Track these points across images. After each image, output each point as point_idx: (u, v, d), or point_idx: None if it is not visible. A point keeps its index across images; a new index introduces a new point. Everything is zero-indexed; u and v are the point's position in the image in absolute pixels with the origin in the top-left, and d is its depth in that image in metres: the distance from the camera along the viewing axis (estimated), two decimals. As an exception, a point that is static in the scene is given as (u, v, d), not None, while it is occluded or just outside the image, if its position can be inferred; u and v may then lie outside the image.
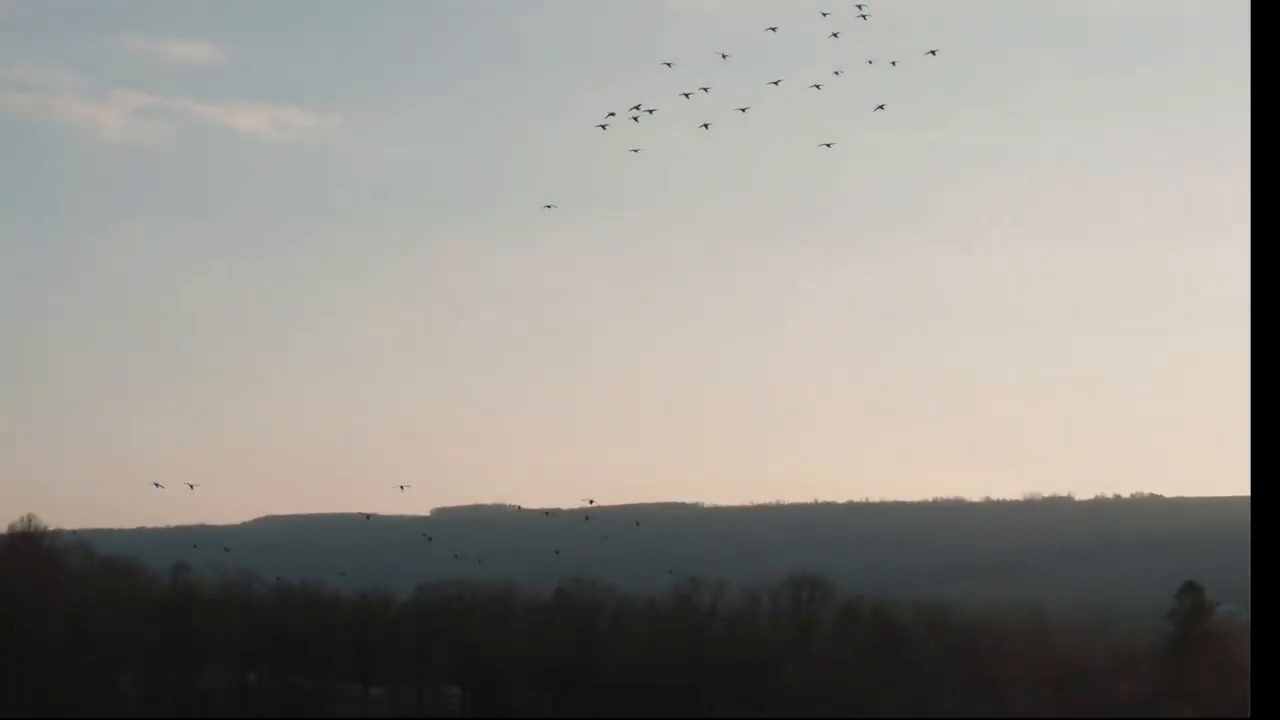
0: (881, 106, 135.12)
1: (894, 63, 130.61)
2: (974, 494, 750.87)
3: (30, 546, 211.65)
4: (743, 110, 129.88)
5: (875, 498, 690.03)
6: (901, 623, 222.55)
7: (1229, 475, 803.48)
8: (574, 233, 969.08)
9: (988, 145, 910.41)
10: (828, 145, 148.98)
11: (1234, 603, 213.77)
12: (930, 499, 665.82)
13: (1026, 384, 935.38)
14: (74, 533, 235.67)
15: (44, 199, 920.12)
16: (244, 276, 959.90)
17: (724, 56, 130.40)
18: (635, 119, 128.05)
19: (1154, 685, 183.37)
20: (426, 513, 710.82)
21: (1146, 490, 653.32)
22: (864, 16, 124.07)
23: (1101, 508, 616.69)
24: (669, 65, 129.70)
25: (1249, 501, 46.98)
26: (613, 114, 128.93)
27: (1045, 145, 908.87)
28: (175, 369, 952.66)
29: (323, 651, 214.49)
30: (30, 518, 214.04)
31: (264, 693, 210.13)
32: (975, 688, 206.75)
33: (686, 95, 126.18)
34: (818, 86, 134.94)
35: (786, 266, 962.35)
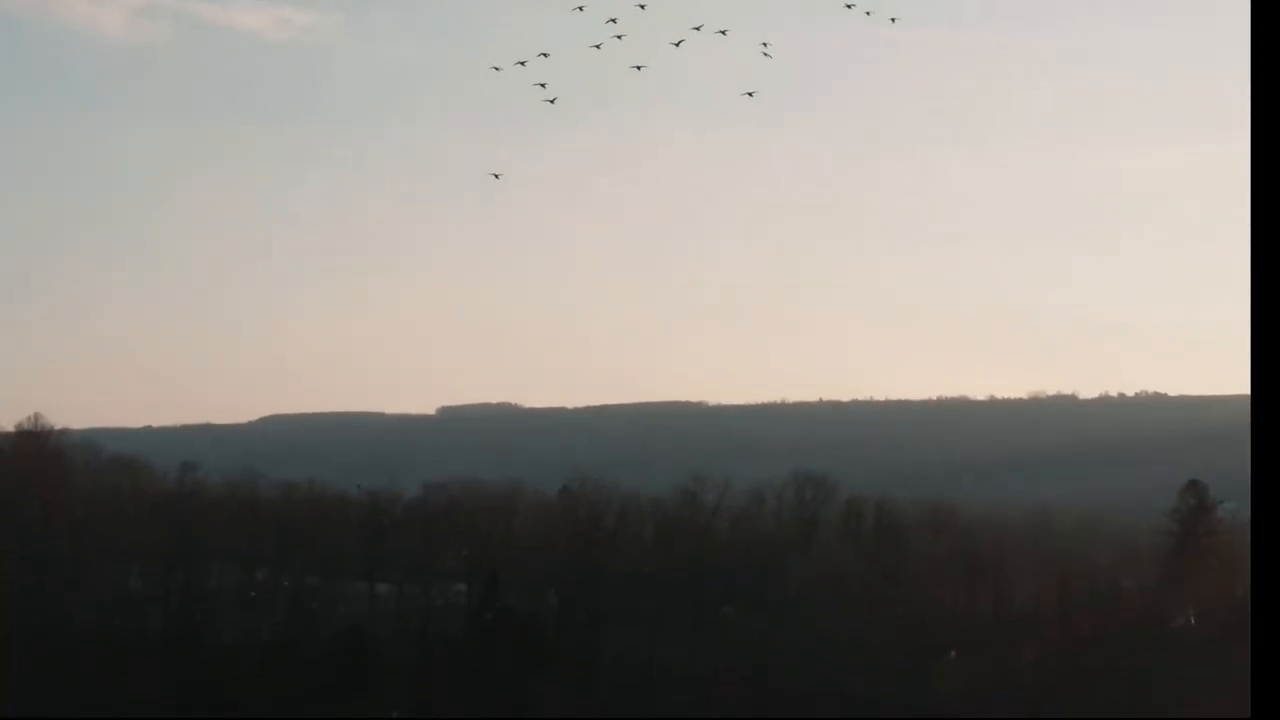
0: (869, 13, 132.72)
1: None
2: (978, 393, 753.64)
3: (37, 445, 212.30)
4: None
5: (879, 396, 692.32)
6: (904, 521, 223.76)
7: (1233, 374, 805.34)
8: (576, 131, 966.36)
9: (990, 41, 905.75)
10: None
11: (1236, 500, 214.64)
12: (934, 398, 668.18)
13: (1031, 283, 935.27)
14: (80, 432, 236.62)
15: (46, 99, 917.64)
16: (245, 175, 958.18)
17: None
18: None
19: (1156, 582, 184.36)
20: (432, 412, 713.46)
21: (1150, 389, 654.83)
22: None
23: (1105, 407, 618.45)
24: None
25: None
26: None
27: (1048, 39, 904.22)
28: (180, 269, 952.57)
29: (329, 550, 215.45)
30: (37, 416, 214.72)
31: (271, 591, 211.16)
32: (977, 585, 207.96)
33: None
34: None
35: (788, 165, 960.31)
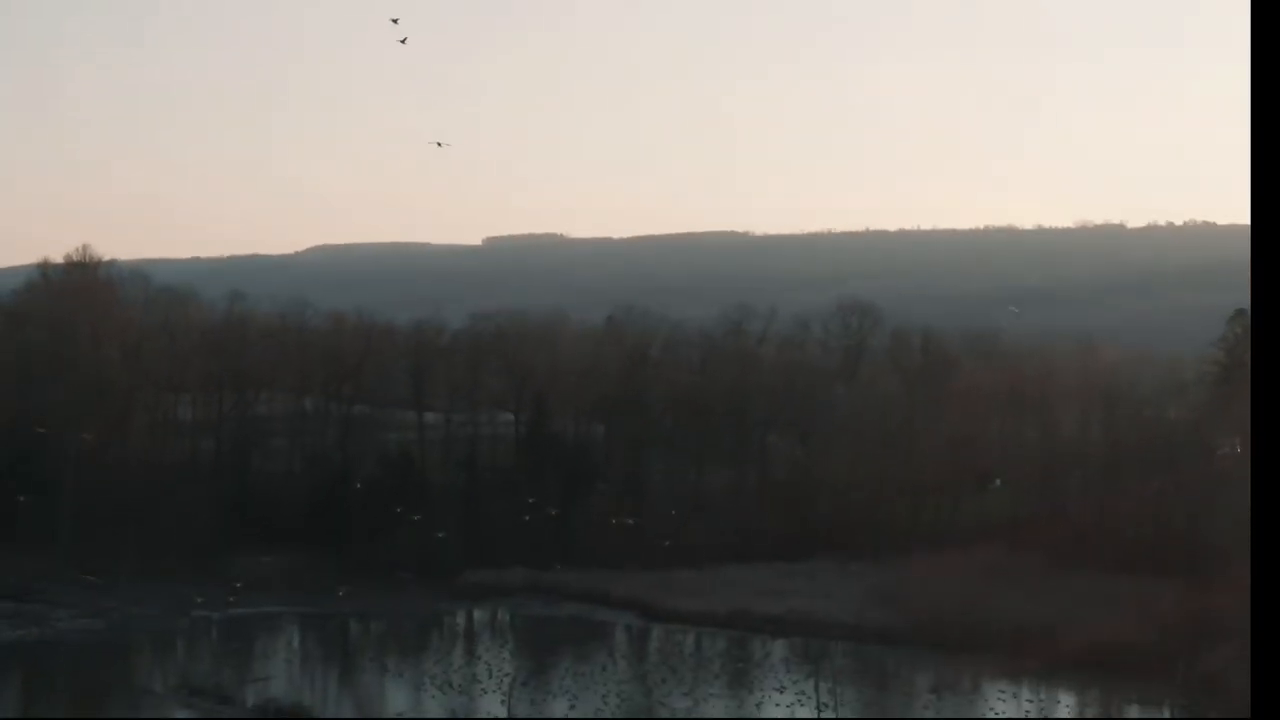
0: None
1: None
2: (1025, 221, 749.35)
3: (86, 276, 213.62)
4: None
5: (925, 225, 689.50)
6: (950, 350, 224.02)
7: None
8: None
9: None
10: None
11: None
12: (980, 227, 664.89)
13: (1080, 110, 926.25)
14: (129, 263, 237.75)
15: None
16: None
17: None
18: None
19: (1202, 411, 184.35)
20: (478, 242, 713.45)
21: (1199, 218, 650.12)
22: None
23: (1153, 235, 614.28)
24: None
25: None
26: None
27: None
28: (225, 100, 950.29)
29: (377, 379, 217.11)
30: (85, 248, 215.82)
31: (320, 419, 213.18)
32: (1023, 414, 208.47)
33: None
34: None
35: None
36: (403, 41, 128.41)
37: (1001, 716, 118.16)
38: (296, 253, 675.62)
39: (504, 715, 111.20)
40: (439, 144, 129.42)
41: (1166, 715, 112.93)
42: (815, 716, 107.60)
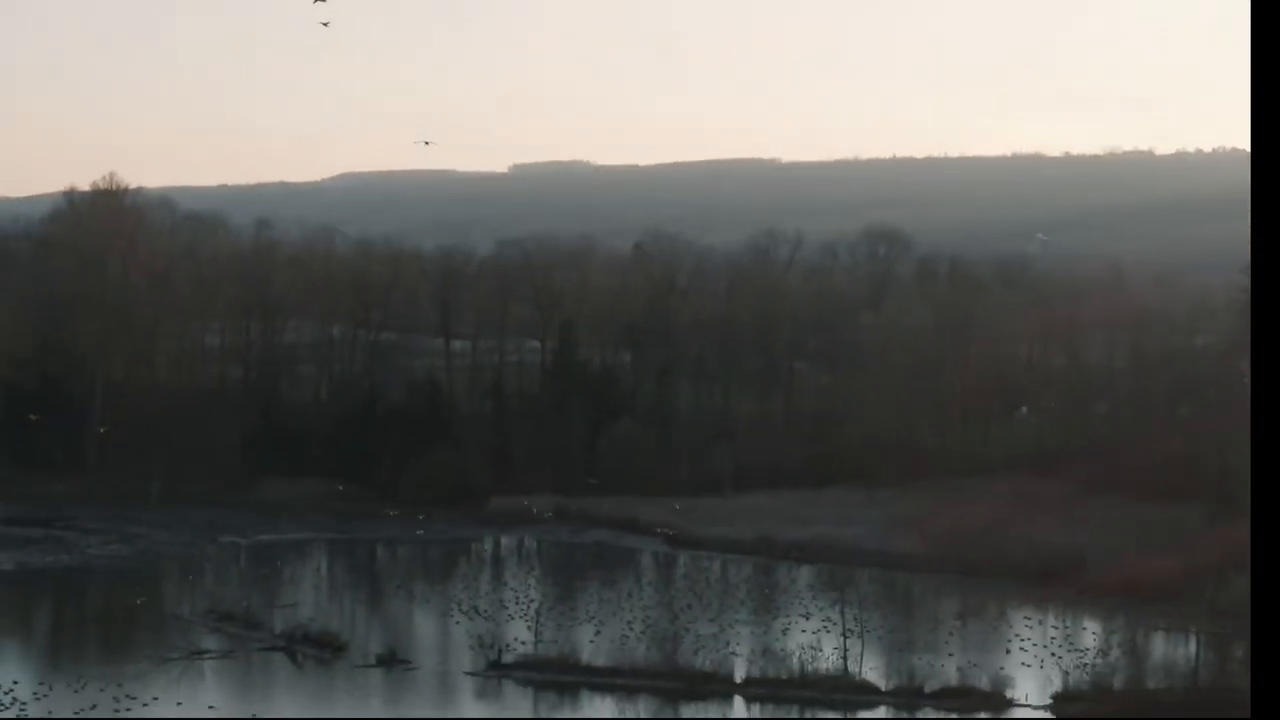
0: None
1: None
2: (1053, 149, 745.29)
3: (112, 204, 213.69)
4: None
5: (954, 153, 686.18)
6: (977, 277, 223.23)
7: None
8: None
9: None
10: None
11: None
12: (1008, 154, 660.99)
13: (1108, 35, 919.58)
14: (155, 190, 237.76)
15: None
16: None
17: None
18: None
19: (1229, 338, 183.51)
20: (504, 169, 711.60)
21: (1228, 145, 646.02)
22: None
23: (1183, 162, 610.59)
24: None
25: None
26: None
27: None
28: (252, 23, 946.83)
29: (404, 307, 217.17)
30: (112, 175, 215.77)
31: (347, 347, 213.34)
32: (1051, 340, 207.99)
33: None
34: None
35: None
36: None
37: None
38: (323, 180, 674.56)
39: (532, 640, 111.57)
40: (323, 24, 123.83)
41: (1193, 643, 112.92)
42: (842, 642, 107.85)
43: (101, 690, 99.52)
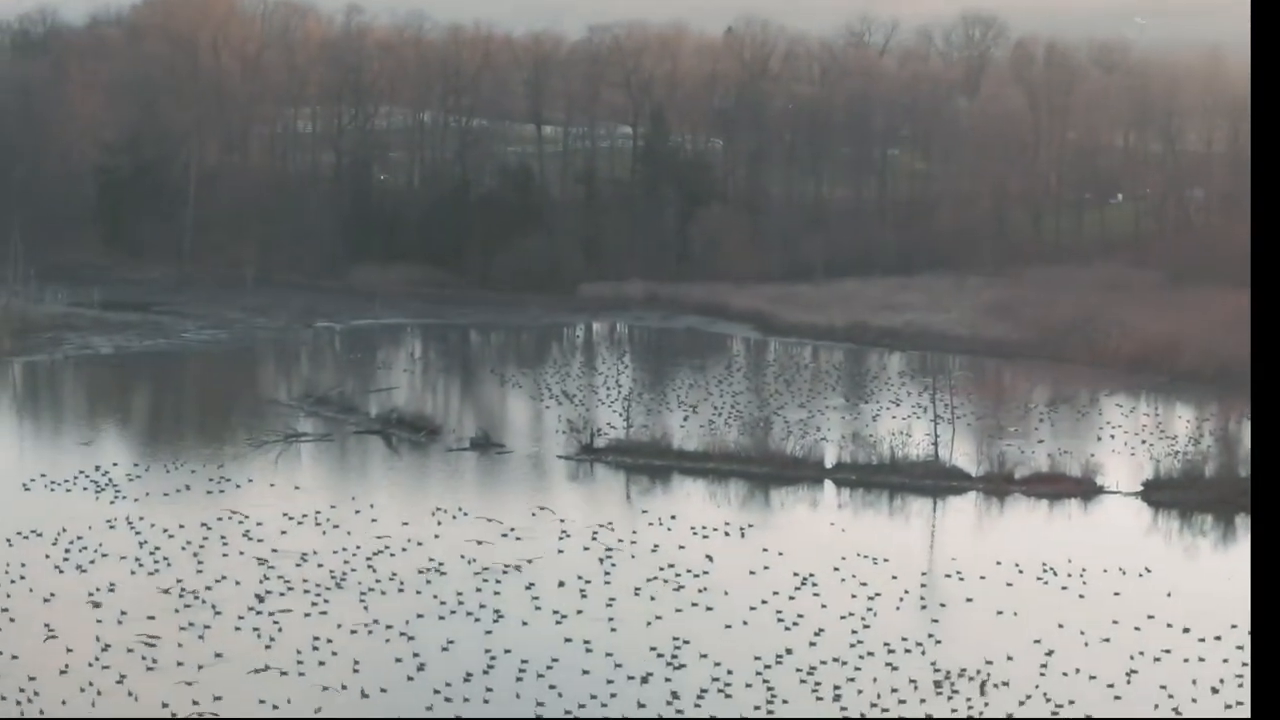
0: None
1: None
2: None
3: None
4: None
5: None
6: (1075, 61, 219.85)
7: None
8: None
9: None
10: None
11: None
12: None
13: None
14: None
15: None
16: None
17: None
18: None
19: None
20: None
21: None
22: None
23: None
24: None
25: None
26: None
27: None
28: None
29: (496, 92, 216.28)
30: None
31: (439, 132, 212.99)
32: (1147, 126, 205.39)
33: None
34: None
35: None
36: None
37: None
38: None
39: (623, 425, 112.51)
40: None
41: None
42: (932, 428, 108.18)
43: (193, 472, 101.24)
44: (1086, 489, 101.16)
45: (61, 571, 78.98)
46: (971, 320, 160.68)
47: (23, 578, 77.46)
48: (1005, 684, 66.11)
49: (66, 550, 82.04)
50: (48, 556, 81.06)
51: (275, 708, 61.92)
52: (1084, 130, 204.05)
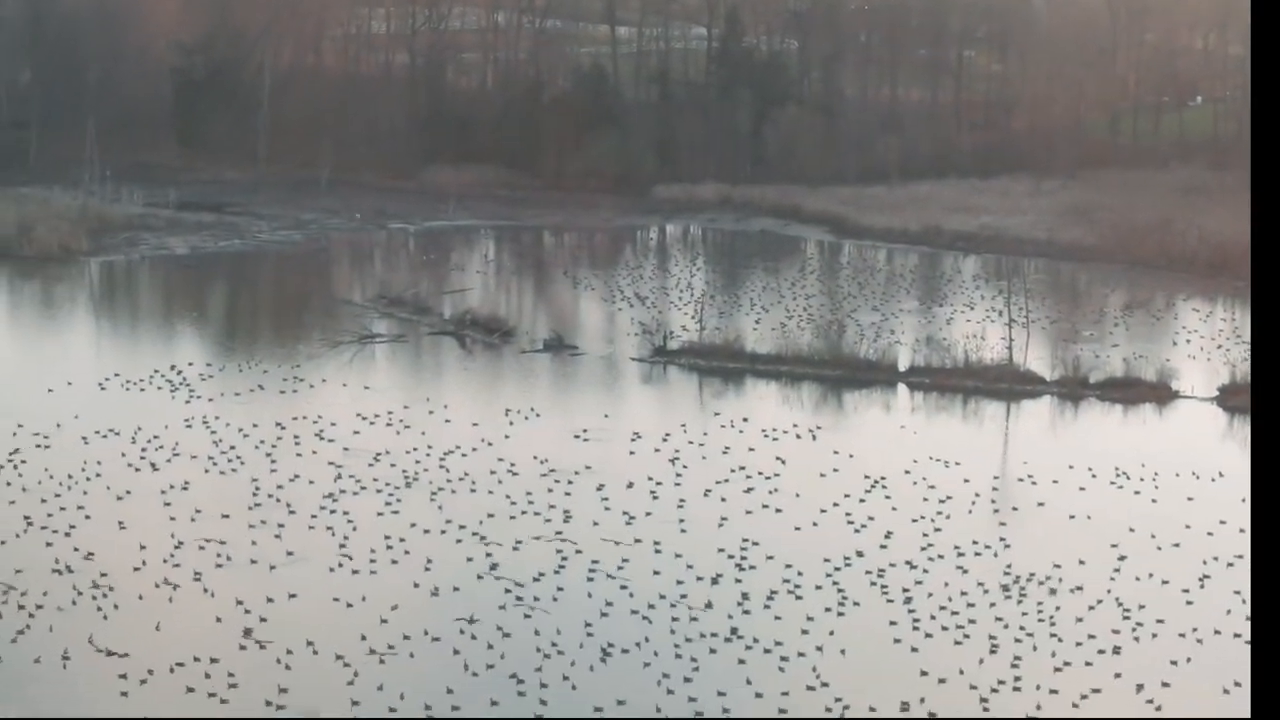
0: None
1: None
2: None
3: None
4: None
5: None
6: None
7: None
8: None
9: None
10: None
11: None
12: None
13: None
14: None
15: None
16: None
17: None
18: None
19: None
20: None
21: None
22: None
23: None
24: None
25: None
26: None
27: None
28: None
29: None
30: None
31: (514, 33, 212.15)
32: (1227, 26, 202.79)
33: None
34: None
35: None
36: None
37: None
38: None
39: (696, 327, 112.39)
40: None
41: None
42: (1007, 332, 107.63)
43: (267, 372, 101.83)
44: (1161, 394, 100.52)
45: (137, 470, 79.70)
46: (1047, 224, 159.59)
47: (99, 475, 78.19)
48: (1080, 589, 65.95)
49: (143, 449, 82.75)
50: (123, 455, 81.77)
51: (349, 605, 62.41)
52: (1163, 32, 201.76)
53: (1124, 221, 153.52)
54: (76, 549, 67.85)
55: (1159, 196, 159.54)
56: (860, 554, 69.48)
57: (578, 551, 69.09)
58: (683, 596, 64.14)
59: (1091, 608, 63.92)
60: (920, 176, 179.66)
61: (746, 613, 62.77)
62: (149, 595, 63.05)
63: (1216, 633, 61.85)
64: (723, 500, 77.09)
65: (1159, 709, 55.09)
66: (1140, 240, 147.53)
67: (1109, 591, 65.70)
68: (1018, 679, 56.86)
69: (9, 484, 76.64)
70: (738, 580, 66.21)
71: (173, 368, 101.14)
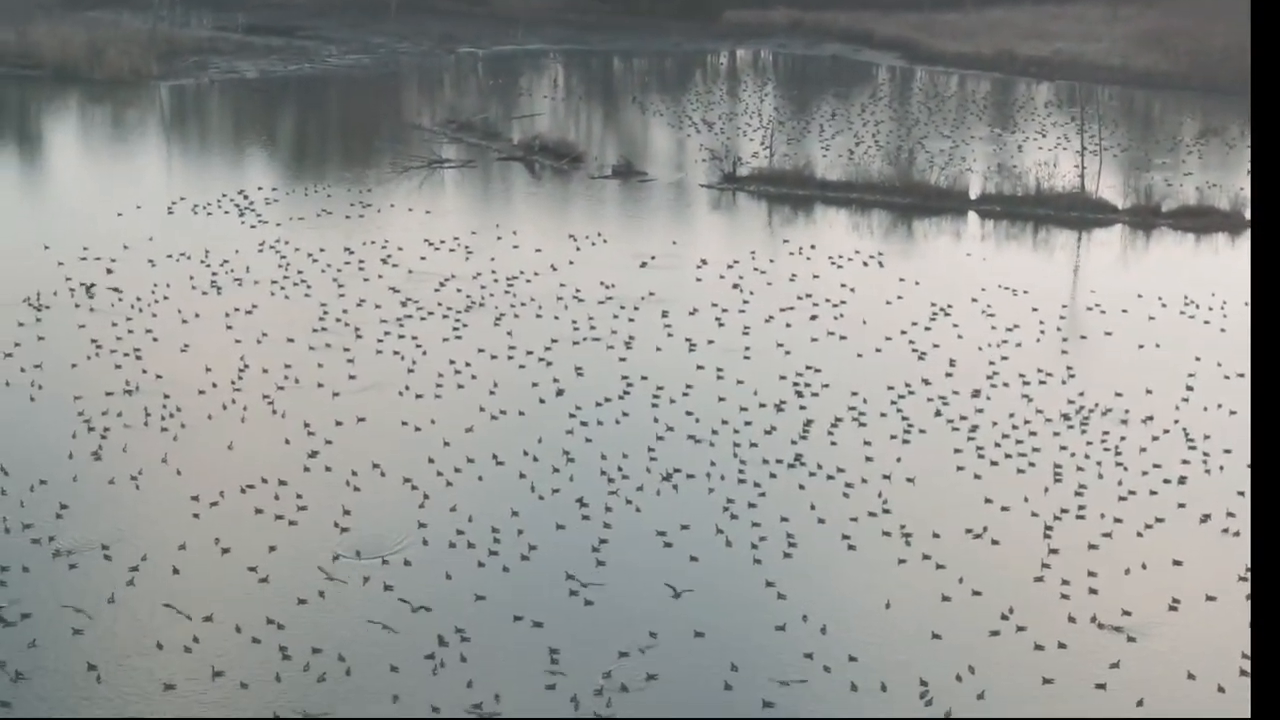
0: None
1: None
2: None
3: None
4: None
5: None
6: None
7: None
8: None
9: None
10: None
11: None
12: None
13: None
14: None
15: None
16: None
17: None
18: None
19: None
20: None
21: None
22: None
23: None
24: None
25: None
26: None
27: None
28: None
29: None
30: None
31: None
32: None
33: None
34: None
35: None
36: None
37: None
38: None
39: (765, 154, 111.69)
40: None
41: None
42: (1079, 160, 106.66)
43: (332, 197, 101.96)
44: (1234, 223, 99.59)
45: (204, 293, 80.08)
46: (1122, 50, 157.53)
47: (166, 299, 78.64)
48: (1147, 419, 65.68)
49: (211, 273, 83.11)
50: (191, 278, 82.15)
51: (418, 429, 62.78)
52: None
53: (1200, 47, 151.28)
54: (145, 371, 68.37)
55: (1236, 21, 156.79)
56: (926, 382, 69.35)
57: (642, 378, 69.18)
58: (747, 424, 64.23)
59: (1157, 438, 63.70)
60: (994, 1, 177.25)
61: (809, 439, 62.85)
62: (218, 417, 63.57)
63: (1283, 463, 61.54)
64: (788, 327, 76.97)
65: (1235, 534, 55.00)
66: (1216, 66, 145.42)
67: (1175, 421, 65.45)
68: (1081, 508, 56.83)
69: (77, 306, 77.23)
70: (802, 407, 66.22)
71: (241, 192, 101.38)
